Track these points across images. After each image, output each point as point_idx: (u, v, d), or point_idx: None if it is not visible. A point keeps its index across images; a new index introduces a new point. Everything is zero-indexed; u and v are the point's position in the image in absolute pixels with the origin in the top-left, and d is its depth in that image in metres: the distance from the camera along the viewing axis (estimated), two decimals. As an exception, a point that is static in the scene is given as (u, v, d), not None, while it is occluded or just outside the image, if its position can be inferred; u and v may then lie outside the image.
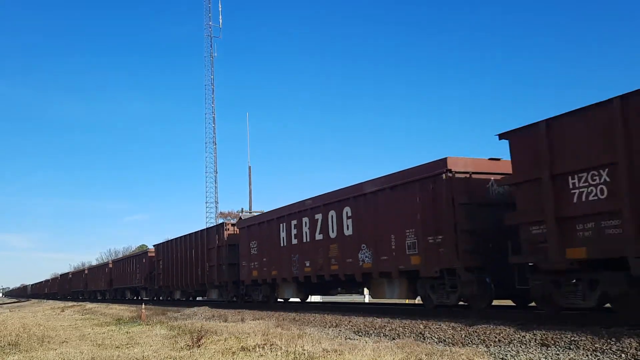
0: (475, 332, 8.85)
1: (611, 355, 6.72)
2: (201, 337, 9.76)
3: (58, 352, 9.60)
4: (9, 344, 11.05)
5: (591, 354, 6.88)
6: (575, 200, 8.96)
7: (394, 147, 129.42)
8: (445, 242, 11.38)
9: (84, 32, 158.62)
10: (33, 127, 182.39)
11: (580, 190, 8.91)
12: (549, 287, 9.66)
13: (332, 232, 15.07)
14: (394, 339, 9.46)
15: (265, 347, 8.63)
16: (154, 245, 30.87)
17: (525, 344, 7.76)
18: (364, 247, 13.79)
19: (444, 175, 11.45)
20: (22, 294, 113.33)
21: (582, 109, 8.95)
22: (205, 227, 24.50)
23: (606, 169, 8.53)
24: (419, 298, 13.42)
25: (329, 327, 11.64)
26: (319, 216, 15.70)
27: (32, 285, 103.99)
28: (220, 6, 56.01)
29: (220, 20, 55.86)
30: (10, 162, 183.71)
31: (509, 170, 10.42)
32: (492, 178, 11.53)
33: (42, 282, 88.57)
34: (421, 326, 10.01)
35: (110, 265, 40.91)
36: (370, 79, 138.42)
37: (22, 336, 12.01)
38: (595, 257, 8.69)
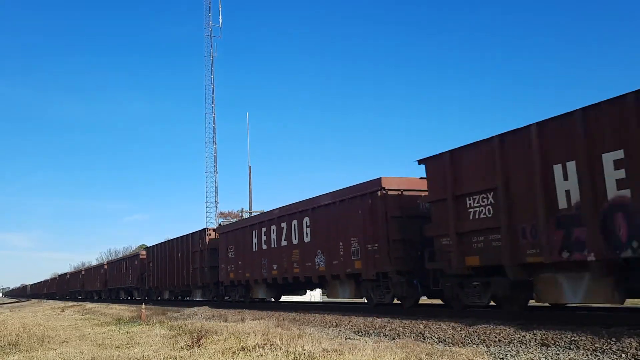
0: (476, 332, 8.92)
1: (611, 355, 6.75)
2: (201, 337, 9.78)
3: (58, 352, 9.65)
4: (9, 344, 11.07)
5: (591, 354, 6.91)
6: (471, 217, 10.96)
7: (394, 147, 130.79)
8: (380, 249, 13.33)
9: (84, 32, 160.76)
10: (33, 127, 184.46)
11: (475, 209, 10.91)
12: (456, 288, 11.69)
13: (295, 239, 16.93)
14: (394, 338, 9.50)
15: (266, 347, 8.66)
16: (145, 248, 32.78)
17: (526, 344, 7.81)
18: (319, 252, 15.65)
19: (379, 193, 13.42)
20: (21, 293, 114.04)
21: (475, 143, 10.93)
22: (189, 232, 26.41)
23: (491, 192, 10.53)
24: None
25: (329, 327, 11.73)
26: (284, 225, 17.59)
27: (31, 285, 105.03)
28: (220, 6, 55.75)
29: (220, 20, 55.63)
30: (10, 162, 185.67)
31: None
32: (423, 195, 13.30)
33: (41, 282, 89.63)
34: (421, 326, 10.10)
35: (105, 267, 42.37)
36: (370, 79, 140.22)
37: (22, 336, 12.02)
38: (485, 264, 10.74)
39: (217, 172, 53.61)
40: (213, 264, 22.72)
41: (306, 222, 16.44)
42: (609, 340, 7.19)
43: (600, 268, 8.68)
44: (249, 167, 45.82)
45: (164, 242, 29.09)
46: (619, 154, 8.38)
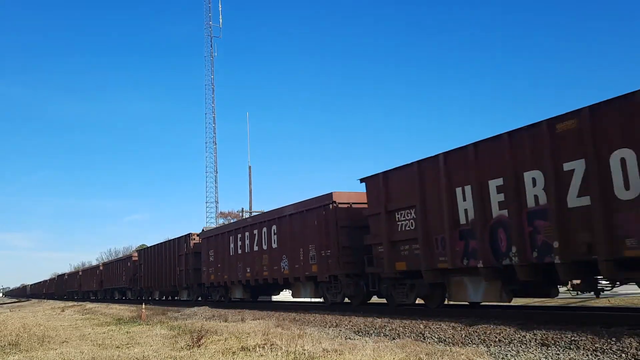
0: (476, 332, 8.98)
1: (611, 355, 6.76)
2: (201, 337, 9.80)
3: (58, 352, 9.68)
4: (10, 344, 11.09)
5: (591, 354, 6.93)
6: (399, 229, 12.95)
7: (394, 147, 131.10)
8: (332, 255, 15.33)
9: (84, 32, 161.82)
10: (33, 127, 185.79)
11: (402, 222, 12.91)
12: (390, 289, 13.74)
13: (265, 245, 18.96)
14: (394, 338, 9.53)
15: (266, 347, 8.69)
16: (137, 251, 34.83)
17: (526, 344, 7.84)
18: (284, 257, 17.69)
19: (331, 206, 15.43)
20: (21, 293, 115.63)
21: (401, 167, 12.89)
22: (176, 237, 28.37)
23: (413, 208, 12.53)
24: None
25: (329, 327, 11.81)
26: (256, 232, 19.60)
27: (31, 285, 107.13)
28: (220, 6, 56.39)
29: (220, 20, 56.22)
30: (10, 162, 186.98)
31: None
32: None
33: (41, 282, 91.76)
34: (421, 326, 10.18)
35: (101, 268, 44.31)
36: (370, 79, 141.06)
37: (22, 336, 12.04)
38: (410, 269, 12.74)
39: (217, 172, 54.56)
40: (197, 267, 24.73)
41: (273, 230, 18.44)
42: (609, 340, 7.19)
43: (489, 273, 10.69)
44: (249, 167, 45.89)
45: (154, 246, 31.09)
46: (500, 181, 10.36)
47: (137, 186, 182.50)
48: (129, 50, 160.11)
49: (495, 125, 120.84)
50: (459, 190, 11.29)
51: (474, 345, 8.27)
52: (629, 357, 6.63)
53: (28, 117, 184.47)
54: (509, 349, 7.76)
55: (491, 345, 8.14)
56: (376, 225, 13.66)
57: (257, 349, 8.61)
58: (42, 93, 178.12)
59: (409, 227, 12.65)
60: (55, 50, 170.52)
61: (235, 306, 19.84)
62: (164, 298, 31.24)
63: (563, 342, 7.52)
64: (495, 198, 10.47)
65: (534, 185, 9.72)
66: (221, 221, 54.13)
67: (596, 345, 7.17)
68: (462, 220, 11.19)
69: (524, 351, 7.53)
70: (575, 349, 7.23)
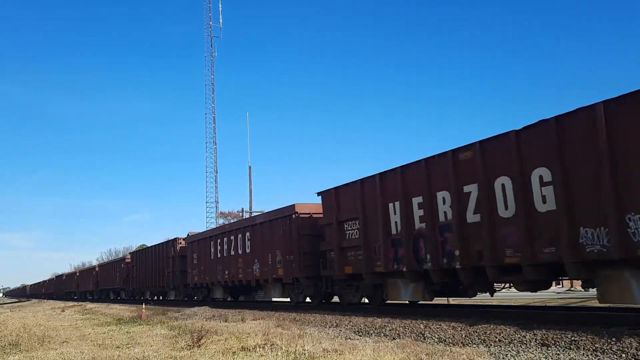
0: (476, 332, 9.01)
1: (611, 355, 6.78)
2: (202, 337, 9.82)
3: (58, 352, 9.69)
4: (10, 344, 11.09)
5: (591, 354, 6.94)
6: (347, 237, 14.93)
7: (394, 147, 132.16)
8: (294, 259, 17.33)
9: (84, 32, 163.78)
10: (33, 127, 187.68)
11: (349, 231, 14.89)
12: (341, 289, 15.75)
13: (240, 249, 20.98)
14: (394, 338, 9.58)
15: (266, 347, 8.71)
16: (130, 253, 36.83)
17: (526, 344, 7.86)
18: (256, 261, 19.72)
19: (293, 216, 17.44)
20: (21, 293, 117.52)
21: (348, 183, 14.85)
22: (165, 240, 30.39)
23: (357, 220, 14.51)
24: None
25: (329, 327, 11.90)
26: (232, 237, 21.62)
27: (31, 285, 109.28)
28: (220, 6, 56.94)
29: (221, 20, 56.74)
30: (10, 162, 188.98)
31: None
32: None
33: (40, 282, 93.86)
34: (421, 326, 10.23)
35: (97, 269, 46.45)
36: (370, 79, 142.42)
37: (22, 336, 12.05)
38: (355, 272, 14.71)
39: (217, 172, 55.02)
40: (183, 269, 26.71)
41: (247, 237, 20.44)
42: (609, 340, 7.22)
43: (412, 276, 12.68)
44: (249, 167, 46.30)
45: (145, 249, 33.13)
46: (420, 199, 12.34)
47: (137, 186, 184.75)
48: (129, 50, 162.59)
49: (495, 125, 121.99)
50: (391, 205, 13.26)
51: (474, 346, 8.28)
52: (629, 357, 6.64)
53: (28, 117, 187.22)
54: (509, 349, 7.79)
55: (491, 345, 8.17)
56: (329, 234, 15.64)
57: (257, 349, 8.65)
58: (42, 93, 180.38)
59: (354, 236, 14.63)
60: (55, 50, 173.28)
61: (235, 306, 20.35)
62: (155, 298, 33.25)
63: (563, 342, 7.56)
64: (417, 213, 12.45)
65: (444, 203, 11.70)
66: (221, 221, 54.96)
67: (596, 345, 7.18)
68: (394, 231, 13.16)
69: (524, 351, 7.54)
70: (575, 349, 7.24)
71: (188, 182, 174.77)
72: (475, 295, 12.94)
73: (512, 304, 12.47)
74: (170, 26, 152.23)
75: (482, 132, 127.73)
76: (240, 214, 45.67)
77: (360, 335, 10.42)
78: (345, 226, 14.99)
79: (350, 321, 12.07)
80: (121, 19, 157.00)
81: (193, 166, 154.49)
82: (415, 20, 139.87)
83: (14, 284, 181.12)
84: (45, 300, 59.21)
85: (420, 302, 14.19)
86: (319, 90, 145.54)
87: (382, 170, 13.61)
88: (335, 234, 15.22)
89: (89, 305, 32.98)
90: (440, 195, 11.80)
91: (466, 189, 11.12)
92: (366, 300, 15.60)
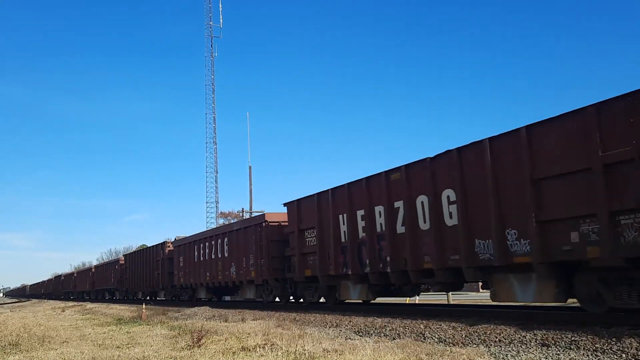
0: (476, 332, 9.03)
1: (612, 356, 6.78)
2: (202, 337, 9.84)
3: (59, 352, 9.67)
4: (10, 344, 11.07)
5: (592, 354, 6.95)
6: (307, 244, 16.90)
7: (394, 147, 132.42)
8: (264, 263, 19.30)
9: (84, 32, 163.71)
10: (33, 127, 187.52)
11: (309, 239, 16.87)
12: (304, 290, 17.77)
13: (219, 253, 22.97)
14: (394, 338, 9.60)
15: (266, 347, 8.72)
16: (123, 255, 38.90)
17: (526, 344, 7.87)
18: (233, 264, 21.74)
19: (264, 224, 19.46)
20: (21, 293, 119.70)
21: (307, 196, 16.87)
22: (155, 244, 32.38)
23: (315, 229, 16.49)
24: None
25: (330, 327, 11.96)
26: (213, 242, 23.65)
27: (30, 285, 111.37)
28: (220, 6, 57.34)
29: (221, 20, 57.12)
30: (10, 162, 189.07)
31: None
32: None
33: (39, 282, 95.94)
34: (422, 326, 10.26)
35: (93, 270, 48.61)
36: (370, 79, 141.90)
37: (22, 336, 12.04)
38: (313, 275, 16.70)
39: (217, 172, 55.43)
40: (170, 271, 28.81)
41: (225, 242, 22.46)
42: (609, 341, 7.23)
43: (357, 279, 14.68)
44: (249, 167, 46.60)
45: (138, 251, 35.23)
46: (363, 212, 14.32)
47: (137, 186, 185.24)
48: (129, 50, 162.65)
49: (495, 125, 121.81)
50: (340, 216, 15.25)
51: (474, 346, 8.30)
52: (629, 357, 6.65)
53: (28, 117, 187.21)
54: (509, 349, 7.80)
55: (491, 345, 8.18)
56: (293, 241, 17.63)
57: (258, 349, 8.67)
58: (42, 93, 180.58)
59: (312, 243, 16.62)
60: (55, 50, 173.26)
61: (235, 306, 20.69)
62: (147, 298, 35.24)
63: (563, 342, 7.57)
64: (360, 224, 14.44)
65: (380, 217, 13.69)
66: (221, 221, 55.79)
67: (596, 345, 7.19)
68: (343, 239, 15.15)
69: (524, 351, 7.55)
70: (575, 349, 7.25)
71: (188, 182, 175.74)
72: (412, 296, 14.95)
73: (512, 304, 12.82)
74: (170, 26, 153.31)
75: (482, 132, 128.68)
76: (241, 214, 46.23)
77: (361, 335, 10.48)
78: (306, 234, 16.99)
79: (350, 321, 12.22)
80: (121, 19, 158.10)
81: (193, 166, 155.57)
82: (415, 20, 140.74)
83: (14, 284, 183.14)
84: (45, 300, 59.98)
85: (364, 300, 16.22)
86: (319, 90, 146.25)
87: (334, 186, 15.61)
88: (297, 241, 17.21)
89: (89, 305, 33.39)
90: (377, 209, 13.79)
91: (396, 204, 13.10)
92: (323, 300, 17.61)
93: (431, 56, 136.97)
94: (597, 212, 8.63)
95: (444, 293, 20.44)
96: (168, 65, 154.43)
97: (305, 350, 8.12)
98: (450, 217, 11.56)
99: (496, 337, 8.47)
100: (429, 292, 14.80)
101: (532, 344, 7.85)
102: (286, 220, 18.96)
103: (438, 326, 9.99)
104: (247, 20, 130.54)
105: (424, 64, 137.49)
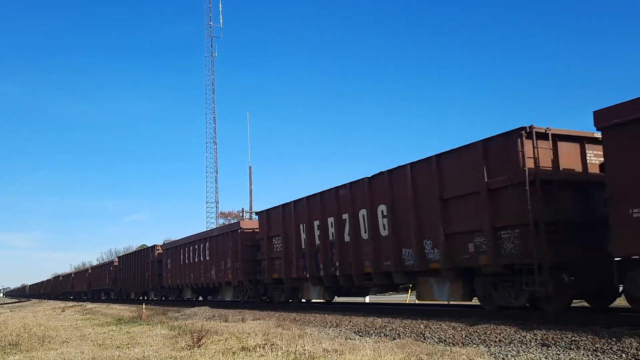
0: (476, 332, 9.06)
1: (612, 355, 6.78)
2: (202, 337, 9.85)
3: (59, 352, 9.66)
4: (10, 344, 11.05)
5: (592, 354, 6.94)
6: (275, 250, 18.89)
7: (394, 147, 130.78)
8: (239, 266, 21.16)
9: (84, 32, 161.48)
10: (33, 127, 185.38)
11: (276, 245, 18.77)
12: (272, 291, 19.78)
13: (202, 257, 24.93)
14: (394, 339, 9.62)
15: (266, 347, 8.73)
16: (117, 257, 40.93)
17: (526, 344, 7.87)
18: (213, 267, 23.69)
19: (239, 230, 21.42)
20: (21, 293, 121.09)
21: (275, 207, 18.83)
22: (146, 247, 34.37)
23: (281, 236, 18.40)
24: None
25: (330, 327, 12.01)
26: (197, 247, 25.61)
27: (30, 285, 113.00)
28: (220, 6, 57.11)
29: (221, 20, 56.82)
30: (10, 162, 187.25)
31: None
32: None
33: (39, 283, 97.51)
34: (422, 326, 10.30)
35: (90, 271, 50.68)
36: (370, 79, 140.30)
37: (22, 336, 12.01)
38: (280, 278, 18.66)
39: (217, 172, 55.04)
40: (160, 272, 30.78)
41: (207, 246, 24.44)
42: (609, 341, 7.24)
43: (314, 281, 16.65)
44: (249, 167, 46.38)
45: (130, 253, 37.25)
46: (318, 222, 16.25)
47: (137, 186, 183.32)
48: (129, 50, 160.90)
49: (496, 125, 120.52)
50: (301, 226, 17.20)
51: (474, 346, 8.32)
52: (629, 357, 6.67)
53: (28, 117, 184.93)
54: (510, 349, 7.80)
55: (491, 345, 8.19)
56: (263, 246, 19.60)
57: (258, 349, 8.69)
58: (42, 93, 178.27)
59: (279, 248, 18.59)
60: (55, 50, 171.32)
61: (235, 306, 20.67)
62: (139, 297, 37.24)
63: (563, 342, 7.59)
64: (316, 232, 16.39)
65: (331, 227, 15.65)
66: (221, 221, 56.50)
67: (596, 345, 7.20)
68: (303, 246, 17.10)
69: (524, 351, 7.55)
70: (575, 349, 7.26)
71: (188, 182, 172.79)
72: (362, 296, 16.89)
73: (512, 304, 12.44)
74: (170, 26, 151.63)
75: (482, 132, 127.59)
76: (241, 214, 46.09)
77: (361, 335, 10.52)
78: (274, 241, 18.96)
79: (350, 321, 12.29)
80: (121, 19, 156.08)
81: (193, 166, 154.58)
82: (415, 20, 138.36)
83: (14, 284, 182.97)
84: (45, 300, 59.82)
85: (324, 299, 18.21)
86: (319, 90, 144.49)
87: (297, 198, 17.57)
88: (267, 246, 19.17)
89: (89, 305, 33.48)
90: (329, 220, 15.74)
91: (344, 216, 15.06)
92: (290, 300, 19.56)
93: (431, 56, 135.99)
94: (484, 227, 10.60)
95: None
96: (168, 65, 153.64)
97: (305, 350, 8.14)
98: (384, 228, 13.52)
99: (496, 337, 8.53)
100: (372, 294, 16.81)
101: (532, 344, 7.88)
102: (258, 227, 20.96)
103: (438, 326, 10.08)
104: (247, 20, 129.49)
105: (423, 64, 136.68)
